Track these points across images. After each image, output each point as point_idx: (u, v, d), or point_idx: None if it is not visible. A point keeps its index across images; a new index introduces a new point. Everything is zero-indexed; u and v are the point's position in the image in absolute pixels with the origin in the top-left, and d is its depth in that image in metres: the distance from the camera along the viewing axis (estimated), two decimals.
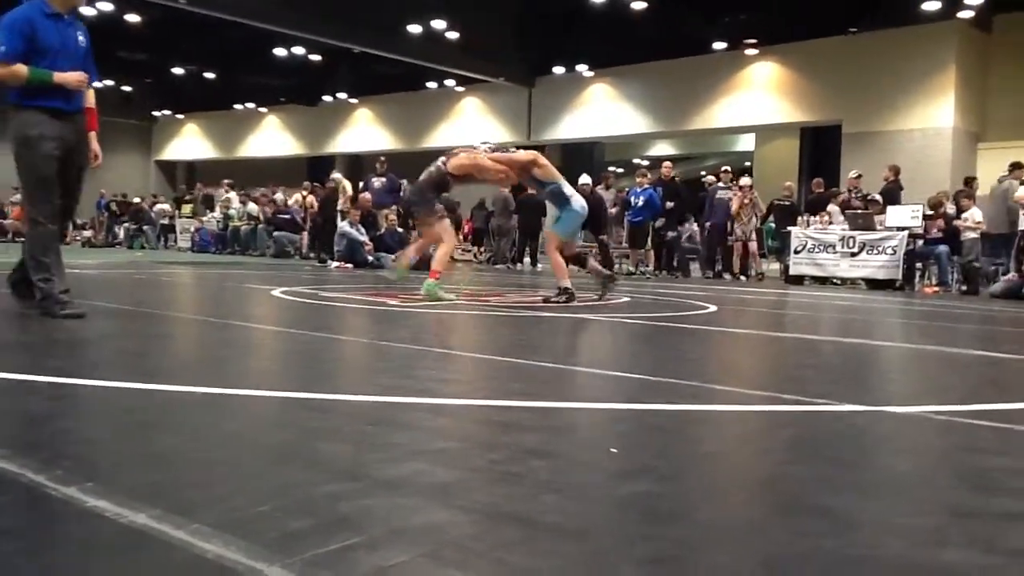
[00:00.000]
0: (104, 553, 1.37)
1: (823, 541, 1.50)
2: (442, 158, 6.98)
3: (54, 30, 4.49)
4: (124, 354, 3.77)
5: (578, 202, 7.01)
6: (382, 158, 15.82)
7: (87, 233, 22.21)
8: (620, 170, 28.71)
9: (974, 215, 11.95)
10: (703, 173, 16.28)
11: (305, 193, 17.97)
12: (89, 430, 2.25)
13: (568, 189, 7.05)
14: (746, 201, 13.86)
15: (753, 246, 14.03)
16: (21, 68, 4.39)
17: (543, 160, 7.08)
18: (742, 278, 13.72)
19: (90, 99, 4.80)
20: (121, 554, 1.36)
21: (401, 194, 15.60)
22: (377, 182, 15.08)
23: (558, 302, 6.82)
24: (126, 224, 22.02)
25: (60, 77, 4.47)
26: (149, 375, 3.06)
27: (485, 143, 7.41)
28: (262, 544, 1.36)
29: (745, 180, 14.32)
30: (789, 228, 13.45)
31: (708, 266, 14.68)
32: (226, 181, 21.16)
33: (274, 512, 1.53)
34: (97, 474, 1.71)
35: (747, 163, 26.52)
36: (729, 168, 15.09)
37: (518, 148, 7.51)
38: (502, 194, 16.28)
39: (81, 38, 4.64)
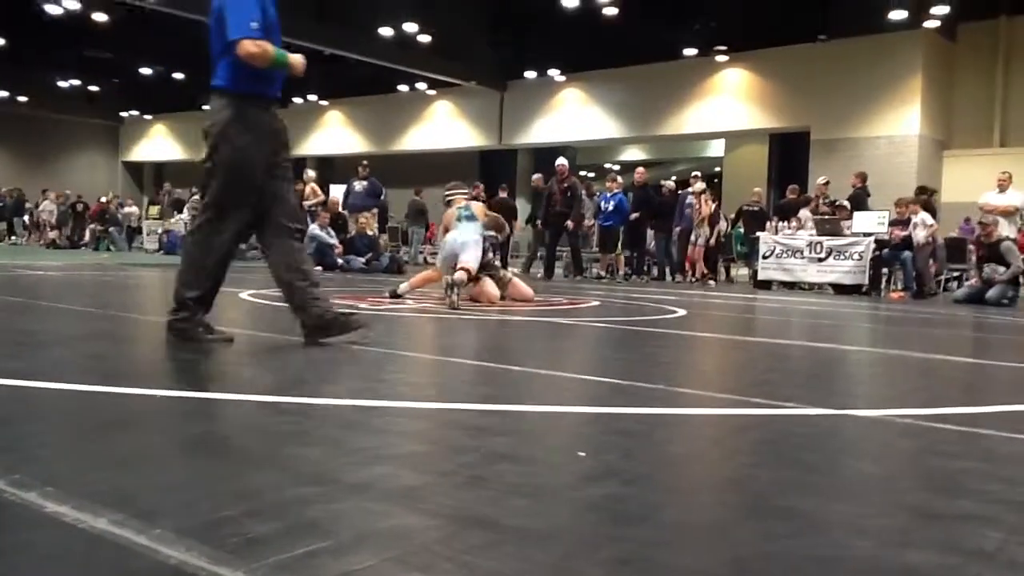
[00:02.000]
0: (63, 560, 1.34)
1: (790, 542, 1.51)
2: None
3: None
4: (87, 356, 3.72)
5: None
6: (364, 162, 15.76)
7: (52, 234, 21.88)
8: (591, 175, 28.86)
9: (924, 220, 12.08)
10: (662, 180, 16.31)
11: None
12: (49, 433, 2.21)
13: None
14: (703, 206, 14.02)
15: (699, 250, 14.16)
16: (270, 47, 3.67)
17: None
18: (711, 283, 13.81)
19: None
20: (81, 561, 1.34)
21: (382, 198, 15.53)
22: (359, 185, 15.03)
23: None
24: (92, 226, 21.73)
25: (295, 60, 3.80)
26: (113, 378, 3.02)
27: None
28: (226, 550, 1.34)
29: (699, 186, 14.32)
30: (758, 233, 13.56)
31: (678, 271, 14.76)
32: (193, 189, 20.96)
33: (239, 517, 1.51)
34: (57, 479, 1.68)
35: (717, 168, 26.74)
36: (699, 174, 15.19)
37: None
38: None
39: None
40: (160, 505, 1.57)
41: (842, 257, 12.28)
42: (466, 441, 2.24)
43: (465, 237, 7.17)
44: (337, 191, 16.81)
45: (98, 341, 4.22)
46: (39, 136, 32.30)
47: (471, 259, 6.97)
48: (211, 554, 1.32)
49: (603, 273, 14.67)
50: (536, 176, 15.84)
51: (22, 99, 31.21)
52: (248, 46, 3.60)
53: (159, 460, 1.94)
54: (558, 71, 24.19)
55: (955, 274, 13.77)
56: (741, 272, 15.55)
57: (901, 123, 19.24)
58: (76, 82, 30.81)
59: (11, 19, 23.29)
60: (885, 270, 12.75)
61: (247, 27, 3.60)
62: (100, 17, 22.31)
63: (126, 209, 22.69)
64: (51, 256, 14.96)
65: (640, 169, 15.60)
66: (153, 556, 1.32)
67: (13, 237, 22.52)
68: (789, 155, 21.89)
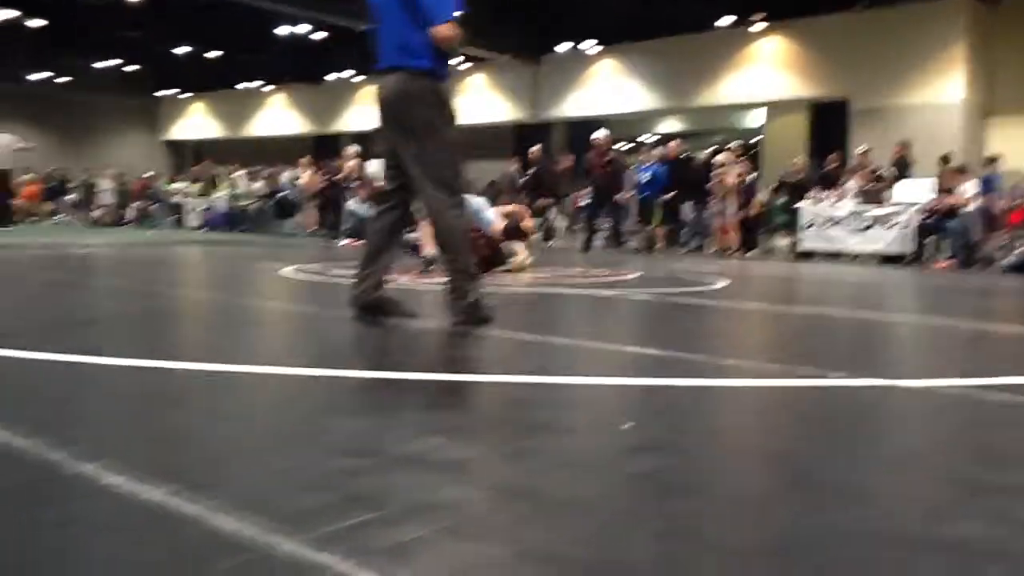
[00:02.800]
0: (121, 529, 1.38)
1: (836, 514, 1.50)
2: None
3: None
4: (138, 333, 3.79)
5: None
6: None
7: (96, 213, 22.20)
8: (628, 146, 28.60)
9: (966, 190, 11.83)
10: (692, 152, 16.15)
11: (301, 171, 17.70)
12: (106, 408, 2.27)
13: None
14: (722, 179, 13.88)
15: (729, 221, 14.01)
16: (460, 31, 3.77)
17: None
18: (750, 254, 13.68)
19: None
20: (137, 530, 1.37)
21: None
22: None
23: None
24: (136, 203, 22.01)
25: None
26: (163, 354, 3.07)
27: None
28: (278, 520, 1.36)
29: (719, 157, 14.26)
30: (798, 204, 13.39)
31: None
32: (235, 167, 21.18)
33: (289, 488, 1.54)
34: (113, 451, 1.72)
35: (756, 139, 26.39)
36: (735, 145, 15.04)
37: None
38: (508, 172, 16.24)
39: None
40: (212, 477, 1.60)
41: (886, 226, 12.09)
42: (511, 413, 2.25)
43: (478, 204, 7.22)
44: (374, 166, 16.74)
45: (146, 318, 4.29)
46: (79, 117, 32.70)
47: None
48: (264, 524, 1.34)
49: (642, 245, 14.60)
50: (534, 148, 15.84)
51: (61, 81, 31.63)
52: (452, 29, 3.71)
53: (209, 433, 1.98)
54: (593, 43, 23.93)
55: (1002, 243, 13.48)
56: (782, 243, 15.37)
57: (943, 90, 18.81)
58: (113, 63, 31.09)
59: (50, 2, 23.54)
60: (930, 238, 12.52)
61: (450, 10, 3.69)
62: None
63: (175, 185, 22.86)
64: (97, 234, 15.21)
65: (673, 142, 15.46)
66: (207, 527, 1.34)
67: (58, 216, 22.88)
68: (829, 125, 21.48)
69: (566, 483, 1.63)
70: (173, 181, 23.34)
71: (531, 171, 15.09)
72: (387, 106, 3.82)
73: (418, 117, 3.75)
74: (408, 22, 3.73)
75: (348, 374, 2.77)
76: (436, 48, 3.74)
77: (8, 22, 25.15)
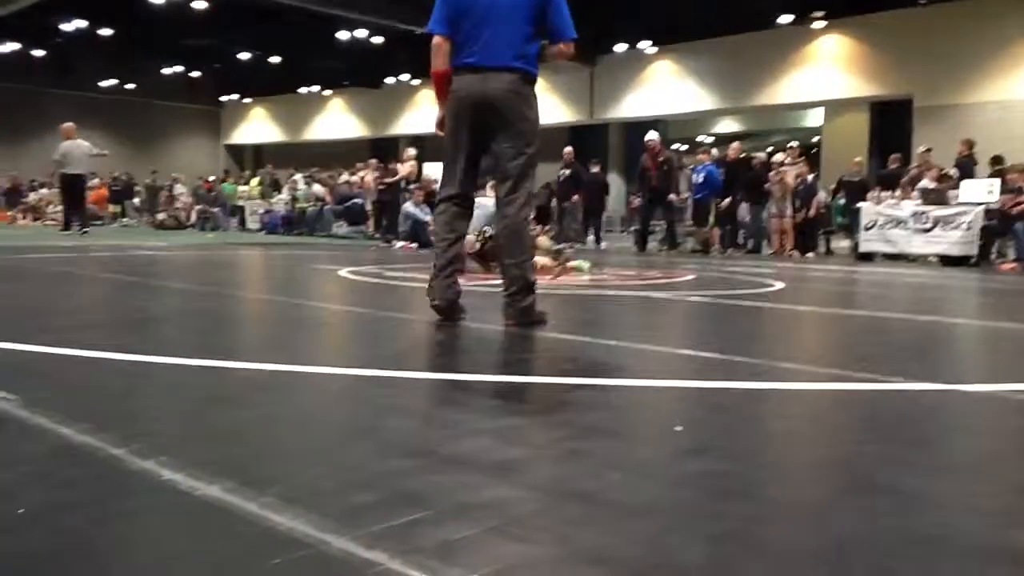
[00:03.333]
0: (179, 524, 1.41)
1: (893, 520, 1.47)
2: None
3: None
4: (196, 333, 3.87)
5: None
6: None
7: (160, 216, 22.72)
8: (684, 147, 28.35)
9: None
10: (751, 153, 16.08)
11: (363, 173, 17.90)
12: (165, 406, 2.32)
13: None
14: (782, 179, 13.73)
15: (786, 223, 13.84)
16: None
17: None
18: (808, 255, 13.47)
19: None
20: (195, 526, 1.40)
21: None
22: None
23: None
24: (198, 207, 22.48)
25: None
26: (222, 353, 3.13)
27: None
28: (330, 517, 1.38)
29: (777, 157, 14.25)
30: (859, 204, 13.15)
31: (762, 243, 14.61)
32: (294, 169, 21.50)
33: (342, 487, 1.56)
34: (172, 448, 1.76)
35: (815, 139, 25.97)
36: (793, 145, 14.88)
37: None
38: (566, 173, 16.26)
39: None
40: (268, 474, 1.63)
41: (949, 227, 11.81)
42: (562, 415, 2.25)
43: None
44: (432, 169, 16.78)
45: (206, 318, 4.38)
46: (145, 122, 33.57)
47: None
48: (317, 522, 1.36)
49: (697, 246, 14.47)
50: (567, 149, 15.87)
51: (130, 87, 32.51)
52: (572, 48, 4.04)
53: (265, 431, 2.01)
54: (649, 43, 23.78)
55: None
56: (842, 244, 15.11)
57: (1011, 87, 18.30)
58: (178, 69, 31.85)
59: (118, 11, 24.20)
60: (996, 241, 12.20)
61: (574, 30, 3.98)
62: (199, 5, 23.00)
63: (241, 188, 23.32)
64: (160, 236, 15.57)
65: (734, 145, 15.32)
66: (262, 523, 1.37)
67: (124, 219, 23.45)
68: (891, 124, 21.05)
69: (617, 485, 1.63)
70: (238, 184, 23.78)
71: (566, 173, 15.52)
72: (493, 101, 3.89)
73: (528, 119, 3.94)
74: (529, 32, 3.93)
75: (402, 375, 2.80)
76: (536, 54, 3.98)
77: (80, 31, 25.95)
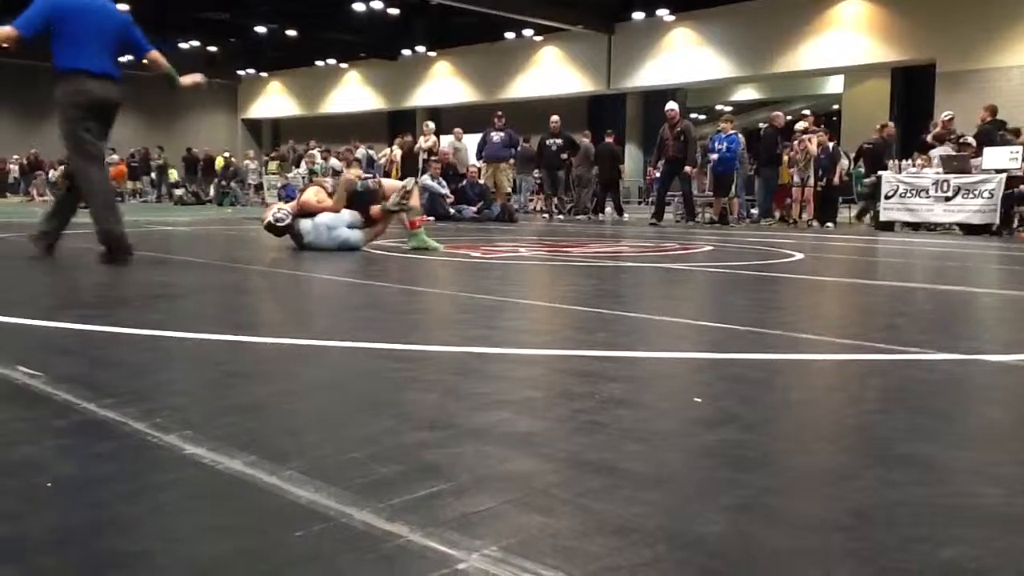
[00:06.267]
0: (202, 498, 1.43)
1: (914, 490, 1.47)
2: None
3: None
4: (216, 307, 3.89)
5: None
6: (499, 112, 15.63)
7: (179, 192, 22.84)
8: (703, 116, 28.10)
9: None
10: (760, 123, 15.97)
11: (391, 149, 17.88)
12: (187, 381, 2.35)
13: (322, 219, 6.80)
14: (805, 147, 13.62)
15: (808, 192, 13.78)
16: None
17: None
18: (829, 225, 13.36)
19: None
20: (218, 499, 1.42)
21: (519, 149, 15.70)
22: (496, 136, 15.04)
23: None
24: (217, 181, 22.57)
25: None
26: (242, 327, 3.16)
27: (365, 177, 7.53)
28: (352, 490, 1.40)
29: (798, 125, 14.21)
30: (880, 173, 13.00)
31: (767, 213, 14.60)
32: (312, 143, 21.47)
33: (363, 459, 1.57)
34: (194, 422, 1.78)
35: (835, 106, 25.67)
36: (810, 112, 14.77)
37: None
38: (583, 144, 16.16)
39: None
40: (289, 448, 1.64)
41: (971, 196, 11.68)
42: (581, 387, 2.26)
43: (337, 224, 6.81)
44: (470, 141, 16.57)
45: (226, 293, 4.41)
46: (163, 97, 33.58)
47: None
48: (338, 494, 1.38)
49: (715, 217, 14.37)
50: (554, 118, 15.82)
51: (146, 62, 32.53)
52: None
53: (286, 405, 2.03)
54: (667, 10, 23.52)
55: None
56: (852, 214, 15.01)
57: None
58: (195, 43, 31.82)
59: None
60: (1018, 208, 12.05)
61: None
62: None
63: (252, 164, 23.37)
64: (178, 212, 15.63)
65: (778, 112, 15.28)
66: (285, 496, 1.39)
67: (141, 196, 23.60)
68: (913, 90, 20.79)
69: (637, 456, 1.63)
70: (268, 160, 23.79)
71: (558, 142, 15.61)
72: None
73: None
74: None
75: (423, 348, 2.81)
76: None
77: None
